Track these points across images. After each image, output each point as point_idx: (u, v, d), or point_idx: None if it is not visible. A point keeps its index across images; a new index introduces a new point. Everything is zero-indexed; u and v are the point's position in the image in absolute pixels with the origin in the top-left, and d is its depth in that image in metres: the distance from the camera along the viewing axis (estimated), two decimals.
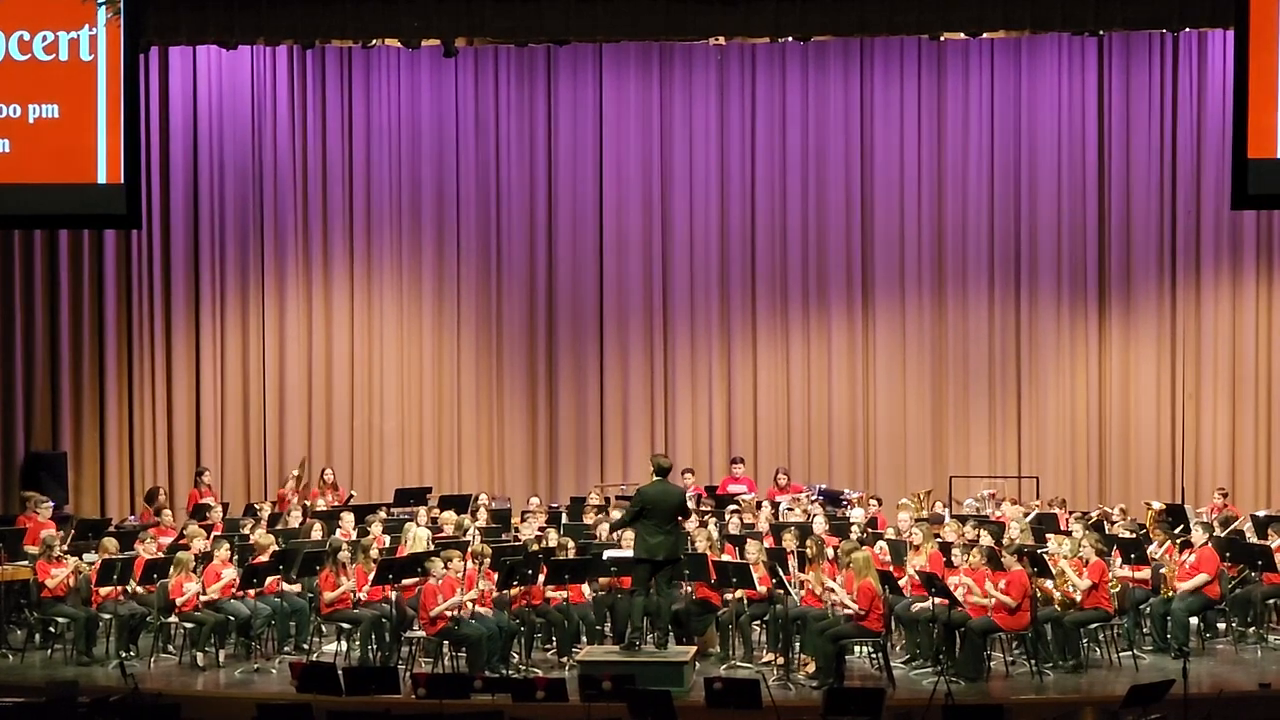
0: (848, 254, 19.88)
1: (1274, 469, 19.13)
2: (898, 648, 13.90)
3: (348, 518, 15.88)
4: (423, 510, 16.39)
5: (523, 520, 16.32)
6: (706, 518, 15.74)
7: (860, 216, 19.83)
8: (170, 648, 14.25)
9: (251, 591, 14.09)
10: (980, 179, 19.69)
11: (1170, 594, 13.93)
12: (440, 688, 10.78)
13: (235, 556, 14.50)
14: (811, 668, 13.17)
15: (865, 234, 19.85)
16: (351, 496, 18.30)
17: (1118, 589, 13.82)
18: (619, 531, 14.05)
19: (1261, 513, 16.46)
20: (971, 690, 12.74)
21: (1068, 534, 14.22)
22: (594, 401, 20.04)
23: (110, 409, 18.91)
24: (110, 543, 14.48)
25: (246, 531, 15.50)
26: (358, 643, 13.83)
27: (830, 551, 13.82)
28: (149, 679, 12.97)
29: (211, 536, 15.01)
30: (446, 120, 19.98)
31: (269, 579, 14.24)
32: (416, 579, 13.71)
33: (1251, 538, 15.10)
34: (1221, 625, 14.67)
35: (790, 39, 17.64)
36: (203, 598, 13.87)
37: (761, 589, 13.65)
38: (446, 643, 13.36)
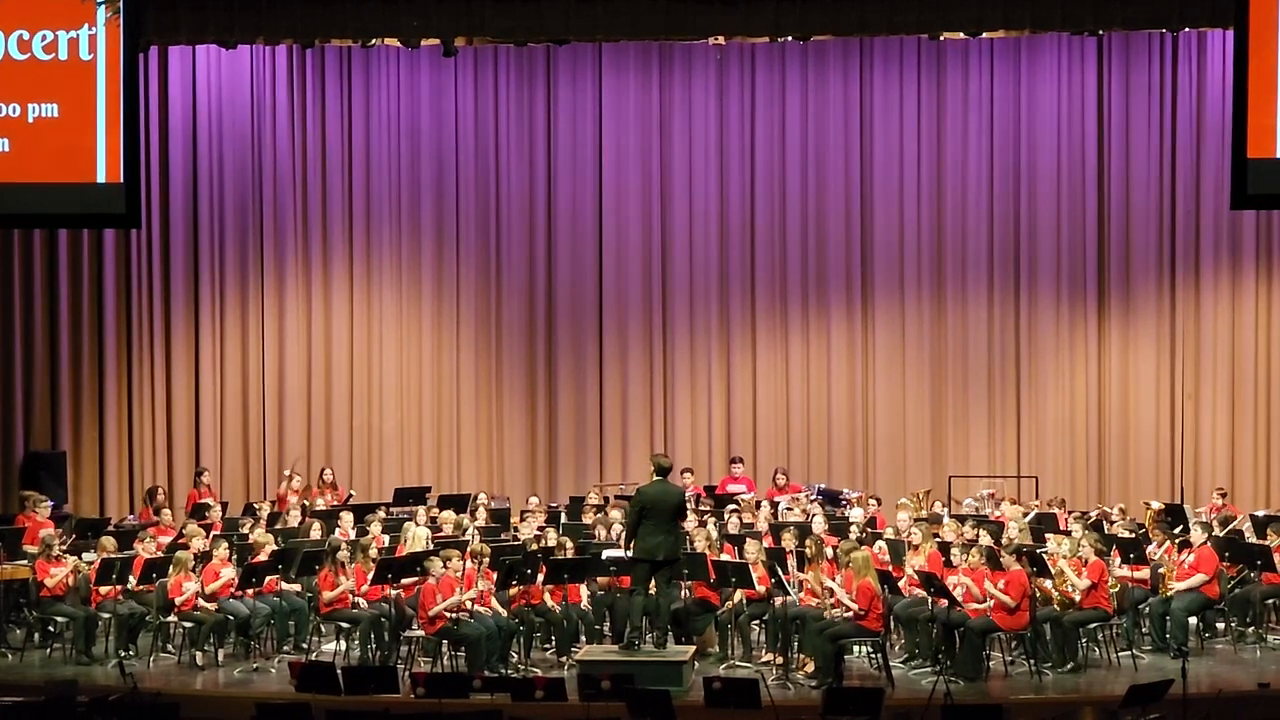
0: (847, 253, 19.88)
1: (1273, 469, 19.14)
2: (897, 647, 13.90)
3: (347, 517, 15.88)
4: (422, 510, 16.39)
5: (522, 520, 16.33)
6: (706, 517, 15.74)
7: (860, 216, 19.83)
8: (169, 647, 14.24)
9: (250, 591, 14.08)
10: (980, 179, 19.69)
11: (1169, 594, 13.93)
12: (439, 687, 10.77)
13: (234, 556, 14.50)
14: (810, 667, 13.16)
15: (865, 233, 19.85)
16: (351, 496, 18.30)
17: (1117, 589, 13.82)
18: (626, 537, 13.91)
19: (1260, 512, 16.47)
20: (970, 690, 12.73)
21: (1067, 534, 14.22)
22: (593, 401, 20.05)
23: (109, 408, 18.92)
24: (109, 542, 14.48)
25: (245, 531, 15.50)
26: (357, 642, 13.83)
27: (829, 551, 13.82)
28: (148, 678, 12.96)
29: (210, 536, 15.01)
30: (446, 120, 19.98)
31: (268, 578, 14.24)
32: (415, 578, 13.70)
33: (1251, 537, 15.10)
34: (1220, 625, 14.66)
35: (790, 39, 17.62)
36: (201, 598, 13.87)
37: (760, 589, 13.65)
38: (445, 642, 13.35)
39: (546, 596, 13.91)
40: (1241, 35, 14.46)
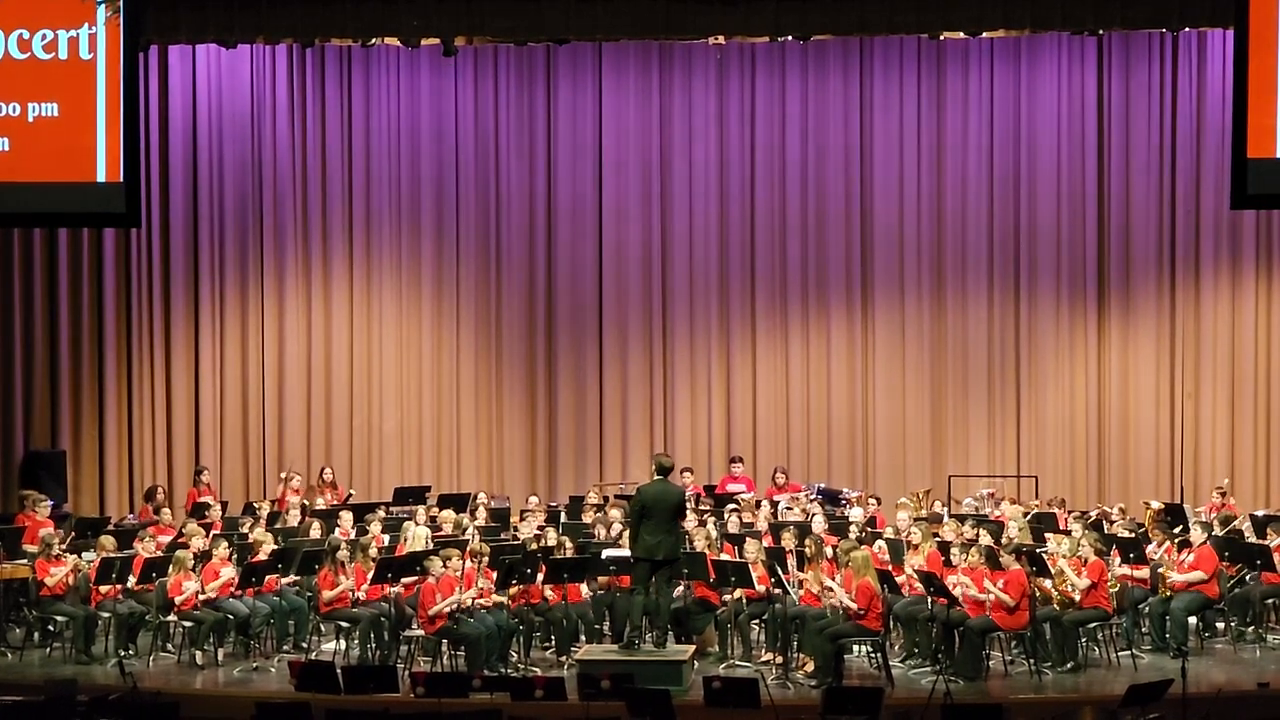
0: (847, 253, 19.87)
1: (1273, 469, 19.14)
2: (896, 647, 13.89)
3: (346, 516, 15.87)
4: (422, 509, 16.39)
5: (521, 519, 16.34)
6: (705, 517, 15.74)
7: (860, 216, 19.83)
8: (169, 646, 14.25)
9: (250, 590, 14.08)
10: (980, 178, 19.69)
11: (1168, 593, 13.93)
12: (439, 686, 10.77)
13: (234, 555, 14.50)
14: (810, 667, 13.16)
15: (865, 233, 19.84)
16: (350, 495, 18.30)
17: (1116, 588, 13.82)
18: (627, 537, 13.94)
19: (1260, 512, 16.46)
20: (970, 689, 12.72)
21: (1067, 533, 14.22)
22: (593, 400, 20.04)
23: (109, 407, 18.92)
24: (109, 541, 14.49)
25: (245, 530, 15.50)
26: (356, 641, 13.83)
27: (829, 550, 13.82)
28: (148, 677, 12.96)
29: (210, 535, 15.01)
30: (446, 119, 19.98)
31: (267, 578, 14.24)
32: (415, 578, 13.70)
33: (1250, 537, 15.10)
34: (1220, 625, 14.66)
35: (790, 38, 17.61)
36: (201, 597, 13.87)
37: (760, 588, 13.65)
38: (445, 641, 13.36)
39: (548, 590, 13.88)
40: (1241, 35, 14.46)
